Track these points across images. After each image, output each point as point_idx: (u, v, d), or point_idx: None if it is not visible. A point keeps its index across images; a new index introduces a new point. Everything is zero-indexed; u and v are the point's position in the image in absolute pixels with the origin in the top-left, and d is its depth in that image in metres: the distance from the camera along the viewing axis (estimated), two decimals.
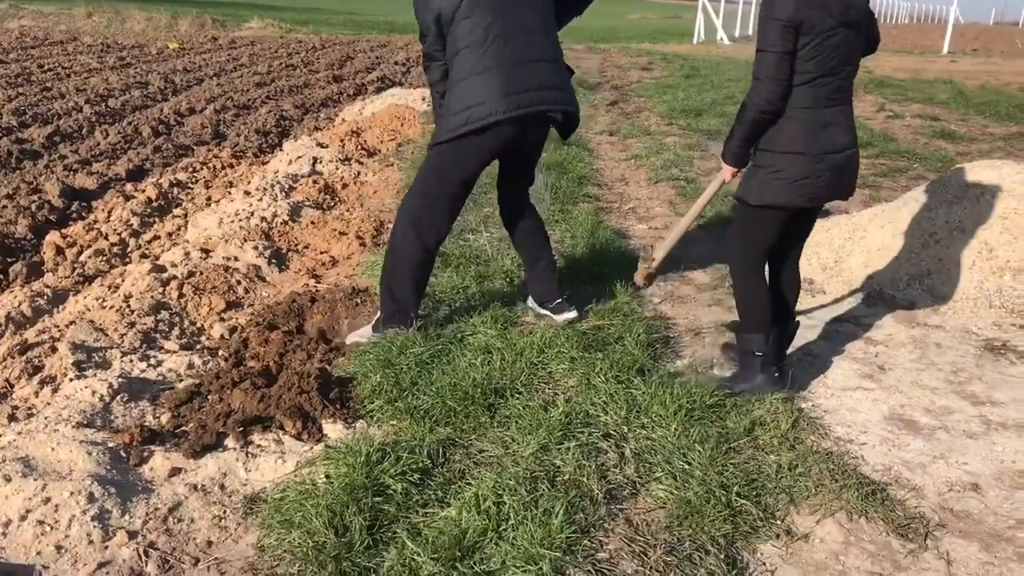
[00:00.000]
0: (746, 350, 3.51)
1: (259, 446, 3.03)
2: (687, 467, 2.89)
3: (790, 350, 3.75)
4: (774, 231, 3.36)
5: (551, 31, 3.70)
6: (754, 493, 2.81)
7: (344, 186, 6.90)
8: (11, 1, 29.66)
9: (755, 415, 3.26)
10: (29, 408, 3.30)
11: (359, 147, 8.29)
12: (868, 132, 9.65)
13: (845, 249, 5.02)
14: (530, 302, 4.25)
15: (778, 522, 2.70)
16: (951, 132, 9.86)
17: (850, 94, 3.29)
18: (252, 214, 5.72)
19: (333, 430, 3.14)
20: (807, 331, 4.23)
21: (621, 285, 4.54)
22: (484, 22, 3.46)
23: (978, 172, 5.01)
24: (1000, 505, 2.83)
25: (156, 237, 5.72)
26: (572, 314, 4.08)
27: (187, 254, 4.95)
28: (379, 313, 3.87)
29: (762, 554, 2.56)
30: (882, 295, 4.63)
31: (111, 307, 4.15)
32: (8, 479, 2.65)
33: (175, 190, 6.83)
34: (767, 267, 3.52)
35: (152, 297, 4.29)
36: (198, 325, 4.20)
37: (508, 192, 4.10)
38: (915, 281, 4.60)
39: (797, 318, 3.71)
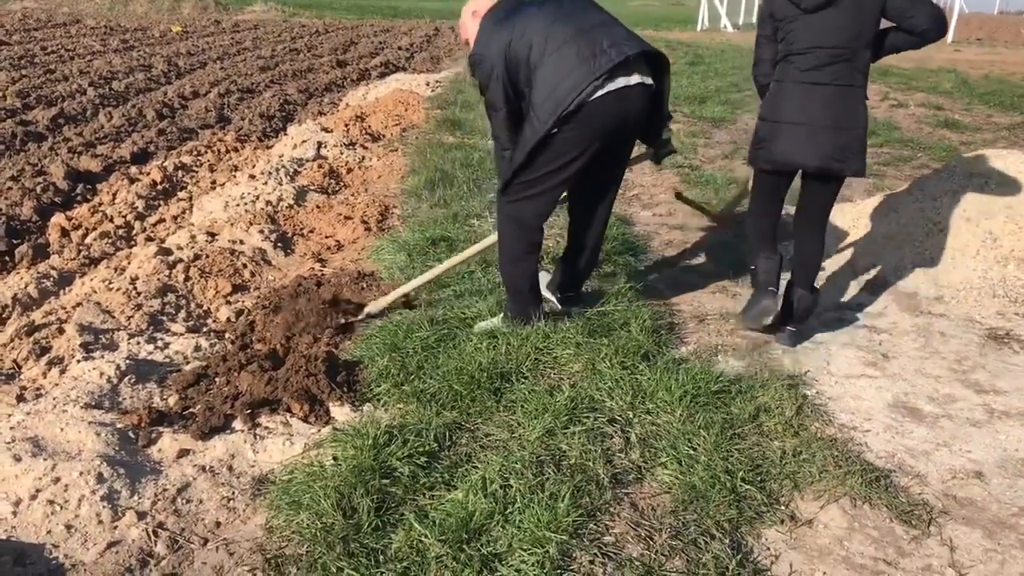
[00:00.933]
0: (753, 271, 4.01)
1: (267, 428, 3.05)
2: (692, 452, 2.90)
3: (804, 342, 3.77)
4: (761, 189, 3.96)
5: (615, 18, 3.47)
6: (759, 479, 2.82)
7: (349, 171, 6.90)
8: None
9: (760, 401, 3.28)
10: (37, 389, 3.32)
11: (363, 132, 8.28)
12: (872, 121, 9.57)
13: (850, 238, 5.02)
14: (543, 280, 3.95)
15: (782, 508, 2.72)
16: (955, 121, 9.84)
17: (843, 75, 3.55)
18: (257, 198, 5.73)
19: (340, 413, 3.15)
20: (811, 319, 4.23)
21: (626, 271, 4.55)
22: (548, 37, 3.28)
23: (982, 161, 5.01)
24: (1003, 493, 2.85)
25: (161, 220, 5.73)
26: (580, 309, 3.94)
27: (193, 237, 4.96)
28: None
29: (766, 539, 2.58)
30: (886, 283, 4.63)
31: (118, 289, 4.16)
32: (18, 459, 2.67)
33: (180, 173, 6.84)
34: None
35: (159, 280, 4.30)
36: (204, 308, 4.21)
37: (589, 197, 3.74)
38: (919, 270, 4.61)
39: (803, 292, 3.89)
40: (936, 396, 3.50)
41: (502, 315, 3.83)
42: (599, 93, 3.23)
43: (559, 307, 3.92)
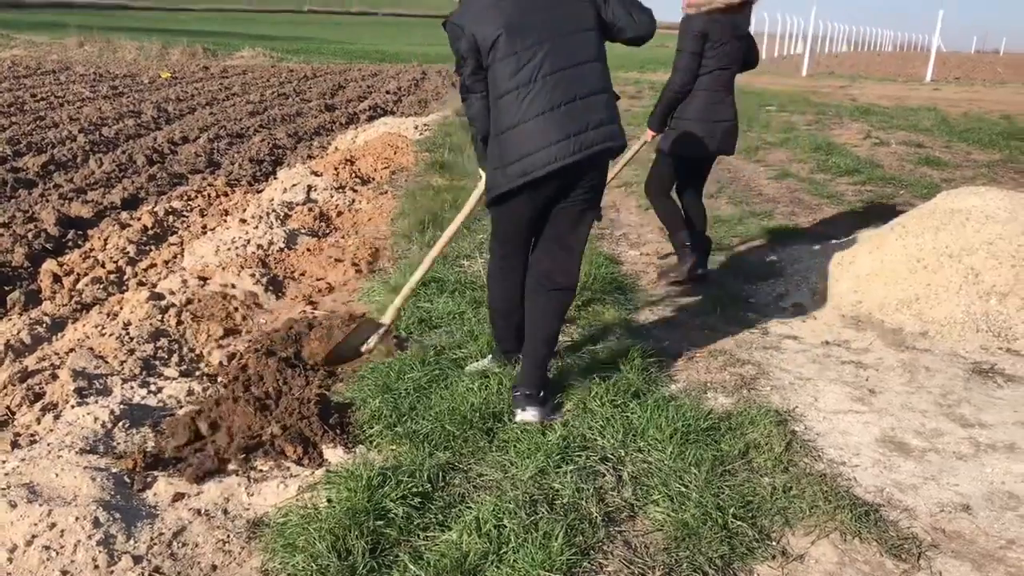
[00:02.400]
0: (677, 243, 5.17)
1: (261, 471, 3.06)
2: (684, 489, 2.93)
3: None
4: (676, 173, 5.11)
5: (601, 56, 3.30)
6: (750, 515, 2.85)
7: (339, 214, 6.96)
8: (3, 31, 29.79)
9: (749, 438, 3.32)
10: (32, 435, 3.32)
11: (353, 175, 8.36)
12: (855, 159, 9.80)
13: (834, 275, 5.10)
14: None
15: (774, 543, 2.74)
16: (936, 159, 10.00)
17: (733, 84, 4.91)
18: (248, 242, 5.77)
19: (333, 455, 3.17)
20: (798, 355, 4.30)
21: (614, 309, 4.61)
22: (529, 59, 3.13)
23: (963, 199, 5.12)
24: (991, 526, 2.88)
25: (153, 265, 5.76)
26: (526, 416, 3.42)
27: (184, 281, 4.99)
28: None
29: (759, 575, 2.60)
30: (871, 319, 4.70)
31: (110, 334, 4.18)
32: (13, 505, 2.68)
33: (170, 218, 6.88)
34: (680, 203, 5.23)
35: (151, 324, 4.32)
36: (197, 352, 4.23)
37: (544, 257, 3.53)
38: (903, 306, 4.68)
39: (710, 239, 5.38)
40: (923, 430, 3.54)
41: (491, 355, 3.87)
42: (571, 161, 3.19)
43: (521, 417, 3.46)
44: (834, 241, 5.91)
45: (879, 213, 7.26)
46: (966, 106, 16.46)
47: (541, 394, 3.48)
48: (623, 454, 3.18)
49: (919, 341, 4.46)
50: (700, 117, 4.82)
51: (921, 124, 13.03)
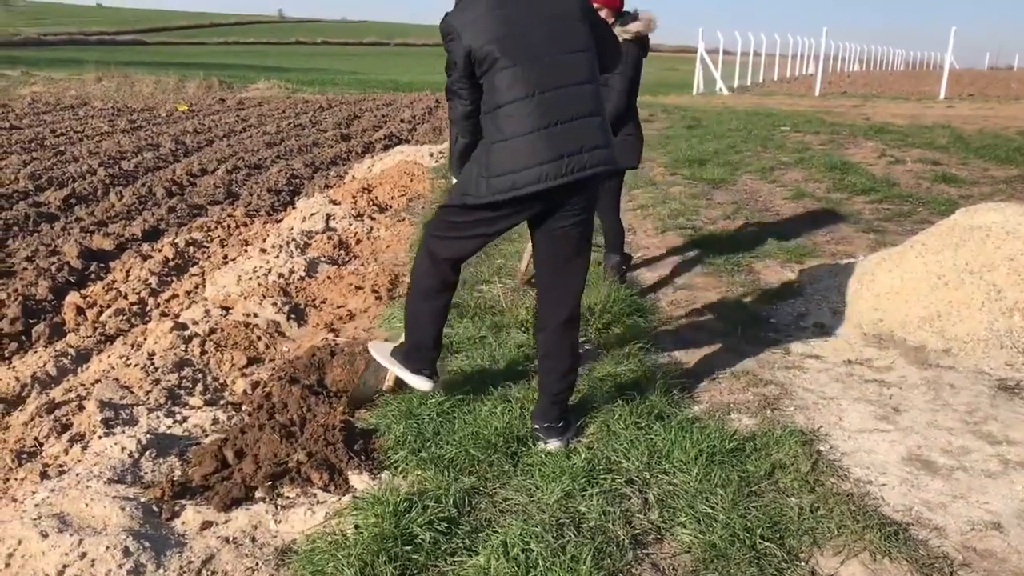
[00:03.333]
0: (624, 260, 5.68)
1: (288, 498, 3.08)
2: (710, 511, 2.92)
3: None
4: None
5: (595, 77, 3.25)
6: (778, 536, 2.84)
7: (358, 241, 7.01)
8: (23, 68, 30.28)
9: (774, 458, 3.31)
10: (60, 466, 3.36)
11: (371, 203, 8.43)
12: (871, 178, 9.79)
13: (854, 293, 5.08)
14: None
15: (803, 564, 2.73)
16: (952, 176, 9.98)
17: None
18: (270, 271, 5.82)
19: (359, 481, 3.18)
20: (821, 374, 4.29)
21: (635, 332, 4.62)
22: (527, 75, 3.09)
23: (982, 215, 5.10)
24: (1022, 544, 2.86)
25: (175, 296, 5.82)
26: (549, 447, 3.41)
27: (207, 311, 5.04)
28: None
29: None
30: (893, 338, 4.68)
31: (135, 365, 4.22)
32: (45, 535, 2.70)
33: (191, 249, 6.95)
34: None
35: (175, 354, 4.36)
36: (221, 381, 4.27)
37: (550, 288, 3.45)
38: (925, 323, 4.66)
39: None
40: (950, 448, 3.52)
41: (397, 345, 3.69)
42: (560, 183, 3.13)
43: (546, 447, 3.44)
44: (853, 260, 5.90)
45: (897, 231, 7.25)
46: (981, 123, 16.42)
47: (561, 424, 3.45)
48: (648, 476, 3.17)
49: (942, 358, 4.44)
50: (636, 132, 5.26)
51: (936, 142, 13.01)
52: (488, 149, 3.19)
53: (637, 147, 5.28)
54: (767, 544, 2.77)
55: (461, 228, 3.37)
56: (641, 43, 5.08)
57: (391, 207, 8.47)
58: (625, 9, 5.14)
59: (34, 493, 3.07)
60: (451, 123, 3.46)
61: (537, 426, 3.45)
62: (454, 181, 3.54)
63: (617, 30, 4.97)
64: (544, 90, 3.10)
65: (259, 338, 4.70)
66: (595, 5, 4.95)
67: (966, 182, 9.70)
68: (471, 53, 3.12)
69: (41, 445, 3.59)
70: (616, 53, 3.48)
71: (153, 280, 6.06)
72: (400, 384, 3.77)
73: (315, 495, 3.10)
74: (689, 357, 4.51)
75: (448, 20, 3.19)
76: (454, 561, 2.68)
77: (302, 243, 6.71)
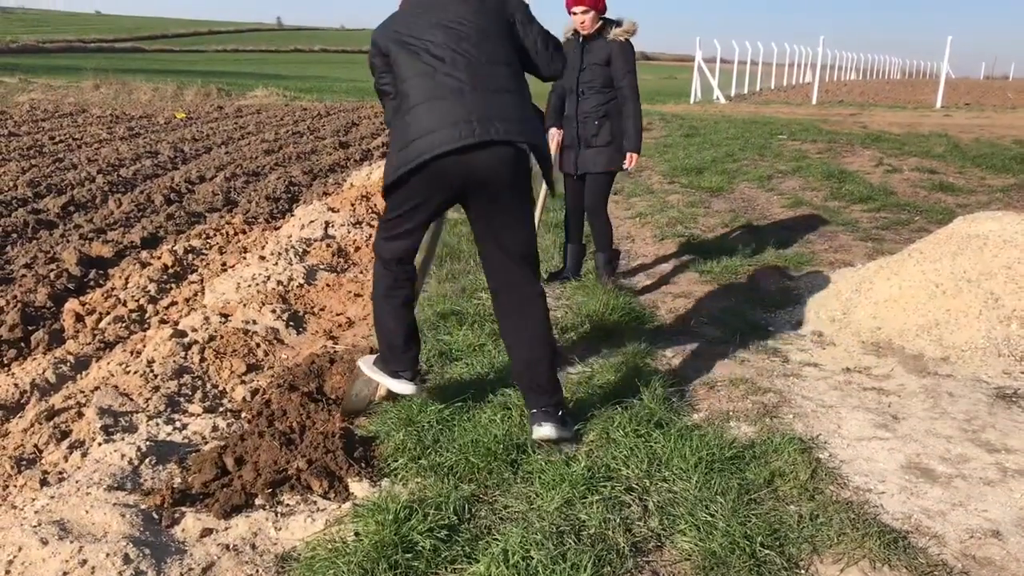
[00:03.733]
0: (612, 257, 5.81)
1: (287, 505, 3.08)
2: (710, 519, 2.93)
3: None
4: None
5: (516, 67, 3.28)
6: (777, 543, 2.84)
7: (357, 249, 7.02)
8: (22, 76, 30.28)
9: (774, 466, 3.31)
10: (60, 472, 3.35)
11: (369, 211, 8.44)
12: (868, 186, 9.82)
13: (852, 301, 5.10)
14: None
15: (803, 571, 2.73)
16: (950, 184, 10.01)
17: None
18: (268, 278, 5.83)
19: (359, 488, 3.19)
20: (820, 382, 4.30)
21: (633, 340, 4.63)
22: (437, 49, 3.14)
23: (980, 223, 5.12)
24: (1022, 552, 2.86)
25: (174, 303, 5.82)
26: (543, 432, 3.37)
27: (206, 319, 5.04)
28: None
29: None
30: (891, 346, 4.69)
31: (135, 372, 4.22)
32: (45, 542, 2.70)
33: (190, 256, 6.95)
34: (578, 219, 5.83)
35: (174, 361, 4.36)
36: (220, 388, 4.27)
37: (497, 268, 3.44)
38: (923, 331, 4.67)
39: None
40: (948, 456, 3.53)
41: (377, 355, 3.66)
42: (462, 145, 3.06)
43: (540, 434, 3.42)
44: (851, 268, 5.92)
45: (895, 239, 7.27)
46: (977, 132, 16.47)
47: (560, 412, 3.42)
48: (648, 484, 3.17)
49: (941, 367, 4.45)
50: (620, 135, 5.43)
51: (933, 150, 13.05)
52: (394, 127, 3.24)
53: (622, 149, 5.43)
54: (767, 552, 2.77)
55: (393, 225, 3.40)
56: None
57: None
58: (610, 17, 5.31)
59: (34, 500, 3.08)
60: (387, 124, 3.50)
61: (535, 410, 3.42)
62: None
63: (616, 31, 5.20)
64: (454, 60, 3.15)
65: (258, 345, 4.70)
66: (582, 7, 5.06)
67: (963, 191, 9.73)
68: (379, 49, 3.29)
69: (41, 452, 3.58)
70: (554, 56, 3.44)
71: (152, 287, 6.06)
72: (392, 392, 3.75)
73: (315, 502, 3.10)
74: (688, 365, 4.52)
75: (374, 33, 3.37)
76: (454, 569, 2.69)
77: (301, 250, 6.71)
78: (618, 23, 5.29)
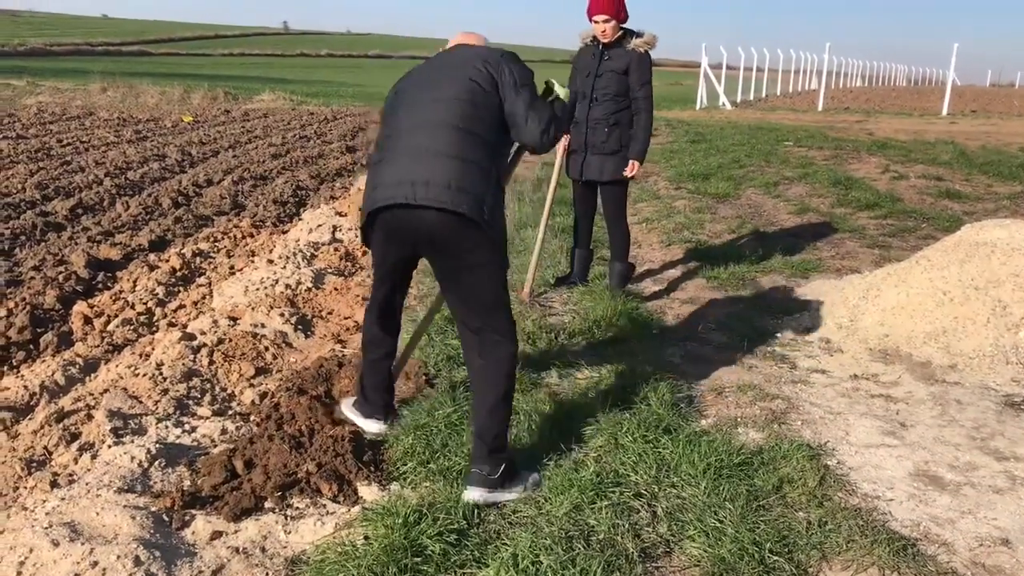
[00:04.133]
0: (626, 270, 5.83)
1: (297, 508, 3.08)
2: (719, 525, 2.93)
3: None
4: None
5: (475, 131, 3.10)
6: (786, 550, 2.84)
7: (364, 253, 7.03)
8: (29, 79, 30.39)
9: (782, 472, 3.32)
10: (70, 474, 3.36)
11: None
12: (875, 193, 9.82)
13: (860, 308, 5.10)
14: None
15: None
16: (956, 192, 10.00)
17: None
18: (277, 282, 5.84)
19: (368, 492, 3.19)
20: (827, 389, 4.30)
21: (641, 345, 4.63)
22: (398, 118, 3.20)
23: (987, 231, 5.12)
24: None
25: (182, 306, 5.83)
26: (469, 495, 3.10)
27: (215, 322, 5.05)
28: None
29: None
30: (899, 353, 4.69)
31: (143, 375, 4.23)
32: (56, 544, 2.71)
33: (198, 260, 6.97)
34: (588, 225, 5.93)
35: (183, 364, 4.37)
36: (229, 391, 4.27)
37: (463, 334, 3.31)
38: (931, 339, 4.67)
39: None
40: (957, 464, 3.52)
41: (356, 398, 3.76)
42: (379, 207, 3.07)
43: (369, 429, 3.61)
44: (858, 274, 5.91)
45: (902, 246, 7.27)
46: (984, 139, 16.46)
47: (497, 474, 3.12)
48: (657, 490, 3.18)
49: (948, 374, 4.45)
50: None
51: (940, 158, 13.04)
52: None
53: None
54: (776, 558, 2.77)
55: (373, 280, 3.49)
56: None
57: None
58: (630, 27, 5.35)
59: (44, 502, 3.09)
60: None
61: (474, 469, 3.17)
62: None
63: (636, 42, 5.25)
64: (406, 129, 3.15)
65: (267, 349, 4.71)
66: (604, 16, 5.08)
67: (970, 198, 9.72)
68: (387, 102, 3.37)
69: (50, 454, 3.60)
70: (529, 124, 3.17)
71: (160, 290, 6.08)
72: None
73: (324, 506, 3.11)
74: (695, 371, 4.52)
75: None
76: (463, 573, 2.69)
77: (309, 254, 6.73)
78: (639, 34, 5.32)
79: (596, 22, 5.24)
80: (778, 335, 5.09)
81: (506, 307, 3.23)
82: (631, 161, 5.38)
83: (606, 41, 5.29)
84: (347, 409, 3.71)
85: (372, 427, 3.63)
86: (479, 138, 3.11)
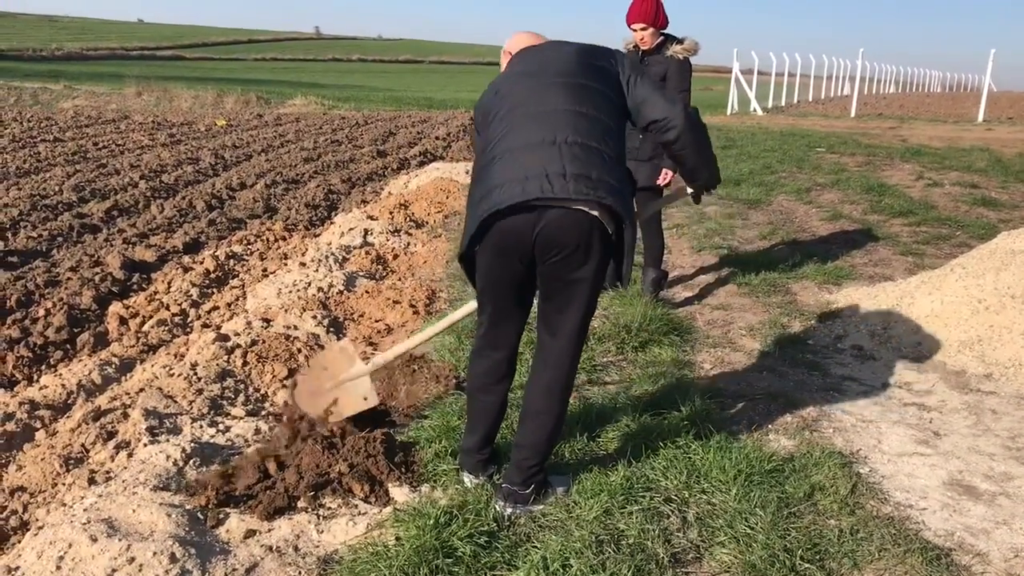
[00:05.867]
0: (660, 277, 5.71)
1: (329, 508, 3.11)
2: (750, 531, 2.92)
3: None
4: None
5: (600, 110, 2.87)
6: (817, 557, 2.83)
7: (395, 257, 7.08)
8: (66, 83, 30.87)
9: (814, 480, 3.30)
10: (107, 472, 3.42)
11: (407, 219, 8.51)
12: (908, 200, 9.72)
13: (893, 316, 5.06)
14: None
15: None
16: (992, 199, 9.88)
17: None
18: (309, 284, 5.90)
19: (399, 493, 3.22)
20: (860, 397, 4.27)
21: (671, 351, 4.63)
22: (507, 110, 2.89)
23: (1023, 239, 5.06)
24: None
25: (216, 307, 5.91)
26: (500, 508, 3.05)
27: (249, 323, 5.11)
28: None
29: None
30: (932, 361, 4.65)
31: (178, 375, 4.30)
32: (94, 539, 2.76)
33: (231, 262, 7.05)
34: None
35: (217, 365, 4.43)
36: (262, 392, 4.33)
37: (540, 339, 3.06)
38: (965, 347, 4.62)
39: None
40: (992, 474, 3.49)
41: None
42: (504, 207, 2.72)
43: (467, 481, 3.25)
44: (891, 282, 5.86)
45: (936, 254, 7.20)
46: (1021, 146, 16.22)
47: (528, 489, 3.05)
48: (687, 495, 3.17)
49: (983, 383, 4.40)
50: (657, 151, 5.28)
51: (975, 164, 12.88)
52: (474, 182, 2.94)
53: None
54: (807, 566, 2.76)
55: (482, 287, 3.03)
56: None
57: (427, 223, 8.54)
58: (671, 33, 5.30)
59: (83, 498, 3.14)
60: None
61: (504, 485, 3.08)
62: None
63: (676, 48, 5.20)
64: (517, 119, 2.86)
65: (299, 350, 4.76)
66: (641, 23, 5.07)
67: (1006, 206, 9.60)
68: (485, 112, 3.03)
69: (88, 451, 3.66)
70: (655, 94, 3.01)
71: (194, 292, 6.16)
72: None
73: (356, 506, 3.14)
74: (726, 377, 4.51)
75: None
76: (493, 575, 2.70)
77: (340, 257, 6.79)
78: (680, 40, 5.27)
79: (634, 29, 5.24)
80: (810, 342, 5.06)
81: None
82: (664, 171, 5.36)
83: (645, 48, 5.28)
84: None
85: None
86: (613, 127, 2.90)
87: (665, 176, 5.37)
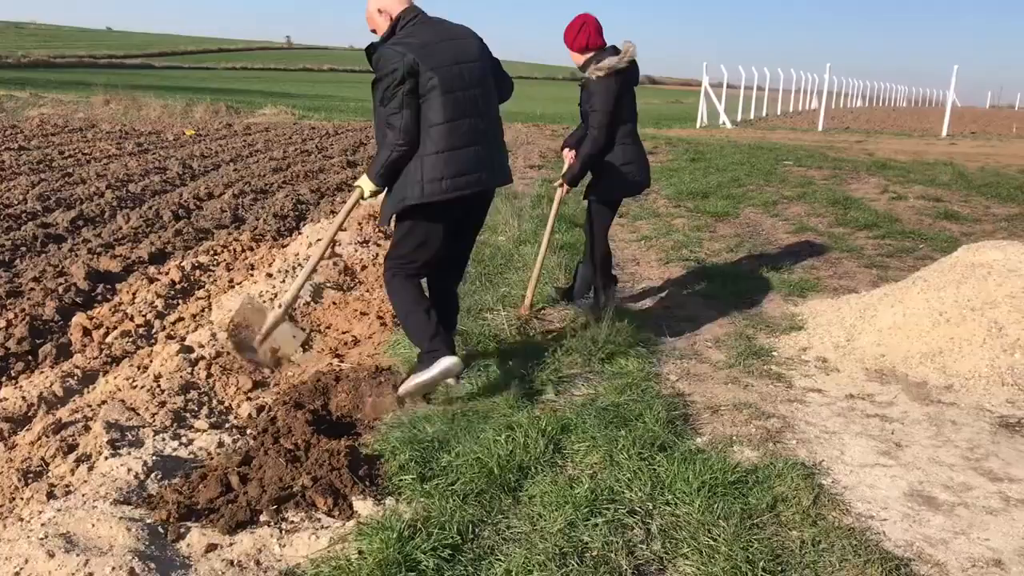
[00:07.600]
0: (593, 280, 5.66)
1: (292, 522, 3.09)
2: (712, 543, 2.94)
3: None
4: (612, 215, 5.57)
5: (497, 112, 4.18)
6: (780, 569, 2.85)
7: (363, 268, 7.06)
8: (32, 90, 30.49)
9: (776, 491, 3.32)
10: (67, 486, 3.37)
11: (376, 230, 8.48)
12: (873, 213, 9.86)
13: (856, 328, 5.12)
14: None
15: None
16: (954, 213, 10.04)
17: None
18: (275, 295, 5.86)
19: (363, 506, 3.20)
20: (823, 408, 4.31)
21: (638, 362, 4.65)
22: (454, 104, 3.82)
23: (984, 252, 5.15)
24: None
25: (181, 319, 5.85)
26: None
27: (213, 335, 5.07)
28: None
29: None
30: (895, 373, 4.71)
31: (141, 387, 4.25)
32: (52, 555, 2.72)
33: (197, 273, 7.00)
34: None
35: (181, 377, 4.39)
36: (226, 404, 4.29)
37: (442, 286, 4.48)
38: (927, 359, 4.69)
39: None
40: (951, 484, 3.53)
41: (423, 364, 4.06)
42: (470, 193, 3.94)
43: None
44: (855, 294, 5.93)
45: (899, 267, 7.30)
46: (983, 160, 16.53)
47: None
48: (651, 507, 3.19)
49: (944, 395, 4.46)
50: (628, 160, 5.26)
51: (938, 178, 13.09)
52: (422, 160, 3.84)
53: (640, 175, 5.34)
54: None
55: (422, 240, 4.12)
56: (619, 76, 5.06)
57: None
58: (609, 44, 5.17)
59: (41, 512, 3.09)
60: (402, 133, 3.84)
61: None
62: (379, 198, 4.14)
63: (591, 68, 5.09)
64: (477, 115, 3.92)
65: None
66: (567, 47, 5.14)
67: (968, 219, 9.76)
68: (417, 72, 3.77)
69: (47, 465, 3.61)
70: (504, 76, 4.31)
71: (159, 303, 6.10)
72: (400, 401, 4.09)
73: (319, 520, 3.12)
74: (692, 388, 4.54)
75: (385, 51, 3.83)
76: None
77: None
78: (614, 50, 5.08)
79: None
80: (775, 354, 5.11)
81: None
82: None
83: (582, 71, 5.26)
84: (412, 386, 4.05)
85: (451, 363, 3.98)
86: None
87: (563, 188, 5.47)
